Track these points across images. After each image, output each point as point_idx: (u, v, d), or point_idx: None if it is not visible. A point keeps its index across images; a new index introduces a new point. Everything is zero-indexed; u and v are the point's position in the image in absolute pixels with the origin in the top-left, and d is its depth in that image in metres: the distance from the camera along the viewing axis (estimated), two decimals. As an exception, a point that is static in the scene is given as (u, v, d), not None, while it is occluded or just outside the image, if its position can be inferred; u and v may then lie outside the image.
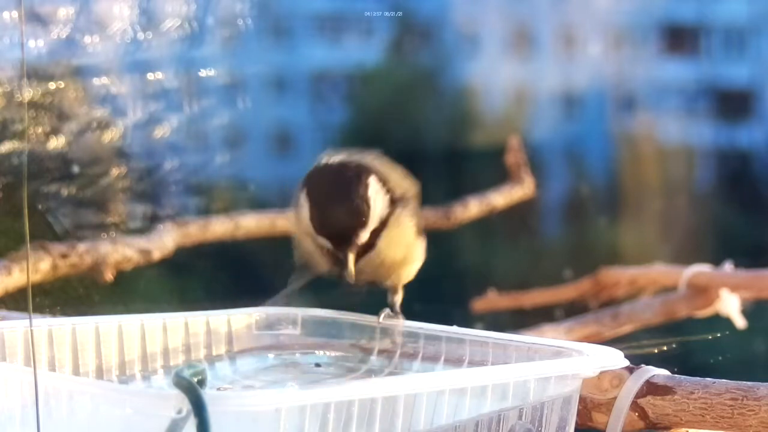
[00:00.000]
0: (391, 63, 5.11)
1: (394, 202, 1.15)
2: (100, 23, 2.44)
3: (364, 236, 1.13)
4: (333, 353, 1.20)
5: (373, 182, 1.13)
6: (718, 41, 5.21)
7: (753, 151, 5.10)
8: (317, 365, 1.18)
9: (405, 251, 1.18)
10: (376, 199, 1.13)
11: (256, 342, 1.21)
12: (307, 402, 0.88)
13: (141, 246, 2.01)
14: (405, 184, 1.21)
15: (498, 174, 2.45)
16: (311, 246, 1.16)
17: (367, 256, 1.14)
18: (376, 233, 1.14)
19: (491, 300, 2.50)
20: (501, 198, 2.45)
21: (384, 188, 1.15)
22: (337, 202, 1.12)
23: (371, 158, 1.20)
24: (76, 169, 2.38)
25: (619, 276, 2.33)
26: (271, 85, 4.90)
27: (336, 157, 1.18)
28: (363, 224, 1.12)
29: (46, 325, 1.09)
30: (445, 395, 0.96)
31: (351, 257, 1.12)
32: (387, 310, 1.17)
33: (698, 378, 1.11)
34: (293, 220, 1.20)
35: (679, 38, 5.19)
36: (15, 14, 2.20)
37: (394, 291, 1.21)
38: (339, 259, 1.14)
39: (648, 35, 5.11)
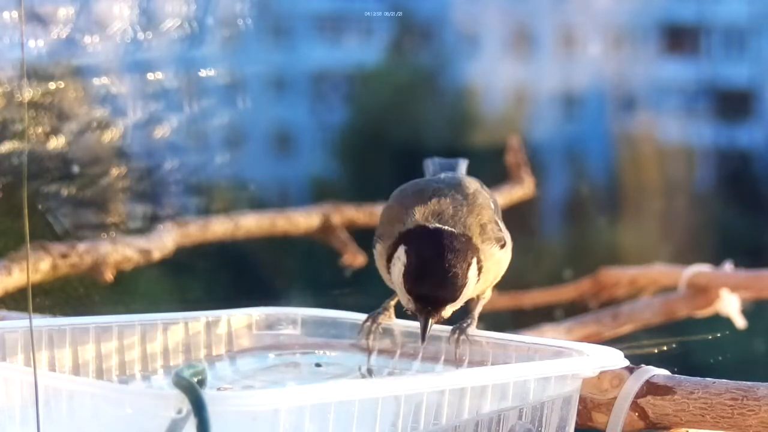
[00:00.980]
0: (391, 63, 5.11)
1: (478, 243, 1.14)
2: (100, 23, 2.44)
3: (449, 310, 1.13)
4: (333, 353, 1.20)
5: (474, 262, 1.13)
6: (718, 41, 5.21)
7: (753, 151, 5.11)
8: (317, 365, 1.18)
9: (491, 272, 1.17)
10: (473, 275, 1.13)
11: (256, 342, 1.21)
12: (307, 402, 0.88)
13: (141, 246, 2.01)
14: (485, 211, 1.19)
15: (498, 174, 2.45)
16: (397, 287, 1.15)
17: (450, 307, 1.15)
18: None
19: (491, 300, 2.49)
20: (501, 198, 2.45)
21: (479, 263, 1.14)
22: (436, 272, 1.11)
23: (473, 186, 1.20)
24: (76, 169, 2.38)
25: (619, 276, 2.33)
26: (271, 85, 4.91)
27: (440, 201, 1.16)
28: (453, 300, 1.12)
29: (46, 325, 1.09)
30: (445, 395, 0.96)
31: (431, 324, 1.11)
32: (462, 329, 1.15)
33: (698, 378, 1.11)
34: (381, 253, 1.17)
35: (679, 38, 5.19)
36: (15, 14, 2.20)
37: (478, 299, 1.21)
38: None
39: (648, 35, 5.11)
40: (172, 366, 1.13)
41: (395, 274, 1.13)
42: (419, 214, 1.15)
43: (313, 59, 4.97)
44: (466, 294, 1.13)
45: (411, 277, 1.11)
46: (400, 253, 1.12)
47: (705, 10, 5.20)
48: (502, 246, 1.19)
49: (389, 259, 1.14)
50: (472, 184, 1.21)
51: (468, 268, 1.12)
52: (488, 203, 1.20)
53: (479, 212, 1.17)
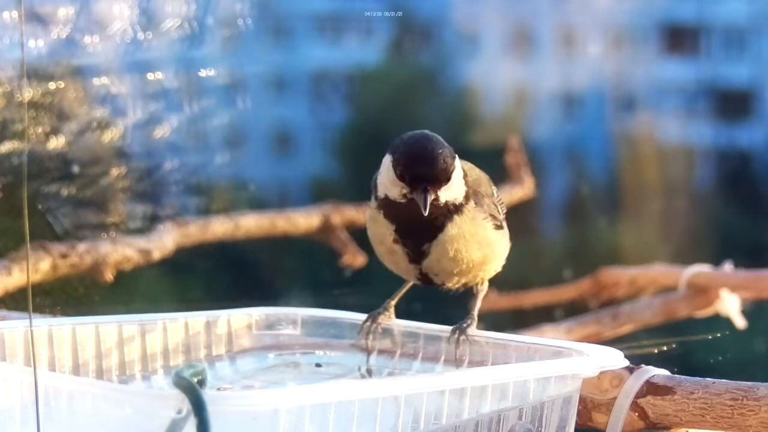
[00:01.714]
0: (391, 63, 5.11)
1: (467, 197, 1.16)
2: (100, 23, 2.44)
3: (443, 189, 1.13)
4: (333, 353, 1.20)
5: (457, 159, 1.15)
6: (718, 41, 5.21)
7: (753, 151, 5.10)
8: (317, 365, 1.18)
9: (479, 248, 1.17)
10: (457, 172, 1.15)
11: (256, 342, 1.21)
12: (307, 402, 0.88)
13: (141, 246, 2.01)
14: (482, 181, 1.22)
15: (498, 174, 2.45)
16: (384, 231, 1.17)
17: (438, 241, 1.15)
18: (449, 213, 1.15)
19: (491, 300, 2.49)
20: (501, 198, 2.45)
21: (464, 175, 1.17)
22: (422, 148, 1.14)
23: (469, 164, 1.22)
24: (76, 169, 2.38)
25: (619, 276, 2.32)
26: (271, 85, 4.90)
27: None
28: (446, 177, 1.13)
29: (46, 325, 1.09)
30: (446, 395, 0.96)
31: (429, 198, 1.12)
32: (462, 328, 1.15)
33: (698, 378, 1.11)
34: (373, 210, 1.20)
35: (679, 38, 5.18)
36: (15, 14, 2.20)
37: (476, 293, 1.21)
38: (412, 228, 1.14)
39: (648, 35, 5.11)
40: (172, 366, 1.13)
41: (383, 177, 1.15)
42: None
43: (313, 59, 4.97)
44: (456, 186, 1.14)
45: (401, 162, 1.13)
46: (385, 160, 1.15)
47: (705, 10, 5.20)
48: (498, 227, 1.19)
49: (374, 188, 1.17)
50: (469, 164, 1.22)
51: (454, 160, 1.14)
52: (487, 182, 1.22)
53: (477, 178, 1.20)
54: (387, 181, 1.15)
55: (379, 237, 1.18)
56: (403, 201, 1.14)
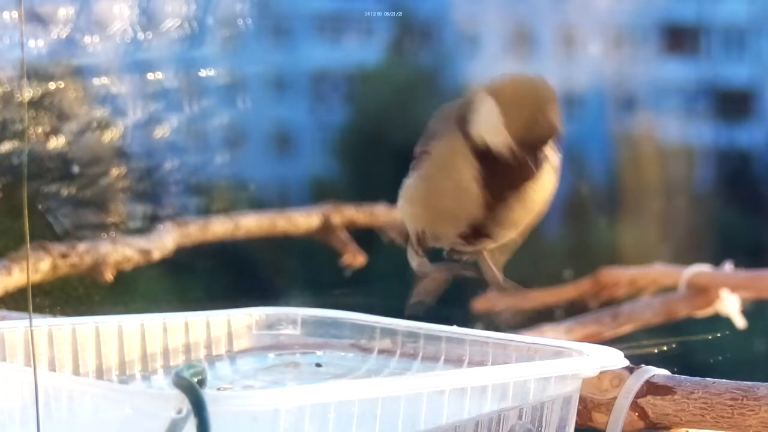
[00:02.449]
0: (391, 63, 5.11)
1: None
2: (100, 23, 2.44)
3: (549, 151, 1.07)
4: (333, 353, 1.20)
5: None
6: (718, 41, 5.21)
7: (753, 151, 5.10)
8: (317, 365, 1.18)
9: (545, 200, 1.14)
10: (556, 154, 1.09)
11: (256, 342, 1.21)
12: (307, 402, 0.88)
13: (141, 246, 2.01)
14: None
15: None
16: (464, 165, 1.08)
17: (524, 189, 1.09)
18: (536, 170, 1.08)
19: (491, 300, 2.49)
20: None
21: None
22: (540, 108, 1.06)
23: None
24: (76, 169, 2.38)
25: (619, 276, 2.32)
26: (271, 85, 4.90)
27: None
28: (557, 134, 1.07)
29: (46, 325, 1.09)
30: (446, 395, 0.96)
31: (542, 153, 1.05)
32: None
33: (698, 378, 1.11)
34: (453, 137, 1.09)
35: (679, 38, 5.18)
36: (15, 14, 2.20)
37: (494, 256, 1.16)
38: (501, 188, 1.06)
39: (648, 35, 5.11)
40: (172, 366, 1.13)
41: (484, 120, 1.05)
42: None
43: (313, 59, 4.97)
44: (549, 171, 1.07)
45: (516, 121, 1.04)
46: (486, 102, 1.05)
47: (705, 10, 5.20)
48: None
49: (461, 123, 1.06)
50: None
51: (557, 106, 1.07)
52: None
53: None
54: (490, 127, 1.06)
55: (453, 170, 1.09)
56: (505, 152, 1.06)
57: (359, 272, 2.28)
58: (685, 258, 2.50)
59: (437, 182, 1.11)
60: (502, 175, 1.08)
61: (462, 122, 1.09)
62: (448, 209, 1.11)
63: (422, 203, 1.11)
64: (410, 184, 1.14)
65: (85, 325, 1.11)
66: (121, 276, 1.99)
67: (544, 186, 1.10)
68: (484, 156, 1.06)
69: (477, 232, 1.12)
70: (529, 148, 1.05)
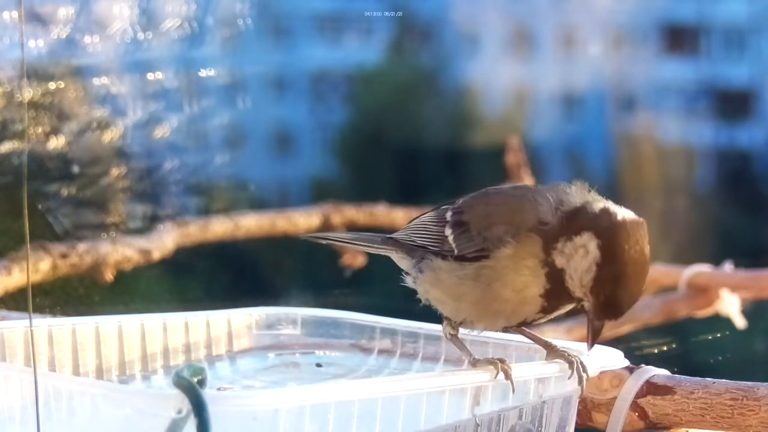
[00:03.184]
0: (391, 63, 5.11)
1: None
2: (100, 23, 2.44)
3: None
4: (333, 353, 1.20)
5: None
6: (718, 41, 5.21)
7: (753, 151, 5.10)
8: (318, 365, 1.18)
9: None
10: None
11: (256, 342, 1.21)
12: (307, 402, 0.88)
13: (141, 246, 2.01)
14: None
15: (498, 174, 2.45)
16: (532, 281, 1.02)
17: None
18: None
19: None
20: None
21: None
22: (634, 278, 0.99)
23: None
24: (76, 169, 2.38)
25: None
26: (271, 85, 4.90)
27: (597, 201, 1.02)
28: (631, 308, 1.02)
29: (46, 325, 1.09)
30: (446, 395, 0.96)
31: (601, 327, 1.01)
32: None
33: (698, 378, 1.11)
34: (523, 251, 1.01)
35: (679, 38, 5.18)
36: (15, 14, 2.20)
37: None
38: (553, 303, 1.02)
39: (648, 35, 5.11)
40: (172, 366, 1.13)
41: (576, 265, 0.99)
42: (576, 195, 1.02)
43: (313, 59, 4.97)
44: None
45: (609, 279, 0.98)
46: (588, 242, 0.98)
47: (705, 10, 5.19)
48: None
49: (547, 251, 0.99)
50: None
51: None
52: None
53: None
54: (581, 268, 0.99)
55: (519, 284, 1.03)
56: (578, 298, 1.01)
57: (359, 272, 2.28)
58: (685, 258, 2.50)
59: (498, 291, 1.04)
60: (565, 295, 1.03)
61: (546, 236, 1.01)
62: (504, 313, 1.05)
63: (475, 303, 1.05)
64: (458, 283, 1.05)
65: (85, 325, 1.11)
66: (121, 276, 1.99)
67: None
68: (554, 273, 1.01)
69: (524, 323, 1.08)
70: (601, 313, 1.00)
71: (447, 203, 1.11)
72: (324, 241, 1.20)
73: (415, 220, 1.13)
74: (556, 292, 1.02)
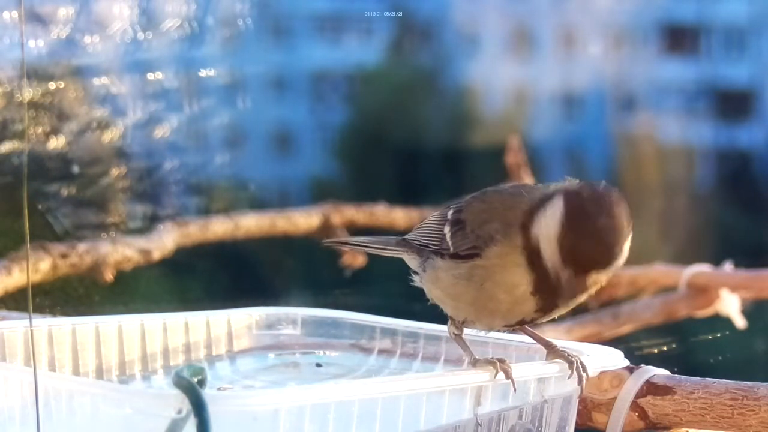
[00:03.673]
0: (391, 63, 5.11)
1: None
2: (100, 23, 2.44)
3: (603, 277, 1.02)
4: (333, 353, 1.20)
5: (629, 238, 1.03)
6: (718, 41, 5.21)
7: (753, 151, 5.10)
8: (318, 365, 1.18)
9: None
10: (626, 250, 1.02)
11: (256, 342, 1.21)
12: (307, 402, 0.88)
13: (141, 246, 2.01)
14: None
15: (498, 174, 2.45)
16: (521, 280, 1.01)
17: (576, 298, 1.04)
18: None
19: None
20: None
21: None
22: (605, 237, 0.98)
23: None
24: (76, 169, 2.38)
25: (619, 276, 2.32)
26: (271, 85, 4.91)
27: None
28: (612, 266, 1.01)
29: (46, 325, 1.09)
30: (446, 395, 0.96)
31: (591, 283, 1.01)
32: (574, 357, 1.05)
33: (698, 378, 1.11)
34: (507, 250, 1.01)
35: (679, 38, 5.19)
36: (15, 14, 2.20)
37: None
38: (550, 296, 1.01)
39: (648, 35, 5.11)
40: (172, 366, 1.13)
41: (547, 231, 0.99)
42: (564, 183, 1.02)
43: (313, 59, 4.97)
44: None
45: (570, 230, 0.98)
46: (554, 209, 0.98)
47: (705, 10, 5.20)
48: None
49: (525, 229, 1.00)
50: None
51: (628, 238, 1.01)
52: None
53: None
54: (547, 236, 0.99)
55: (508, 284, 1.03)
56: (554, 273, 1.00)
57: (359, 272, 2.28)
58: (685, 258, 2.50)
59: (490, 290, 1.04)
60: (555, 290, 1.02)
61: (528, 222, 1.01)
62: (500, 312, 1.05)
63: (471, 303, 1.04)
64: (454, 282, 1.05)
65: (85, 325, 1.11)
66: (121, 276, 1.99)
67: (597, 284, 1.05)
68: (541, 266, 1.00)
69: (523, 321, 1.07)
70: (579, 271, 0.99)
71: (454, 202, 1.10)
72: (347, 247, 1.20)
73: (425, 220, 1.13)
74: (547, 289, 1.02)
